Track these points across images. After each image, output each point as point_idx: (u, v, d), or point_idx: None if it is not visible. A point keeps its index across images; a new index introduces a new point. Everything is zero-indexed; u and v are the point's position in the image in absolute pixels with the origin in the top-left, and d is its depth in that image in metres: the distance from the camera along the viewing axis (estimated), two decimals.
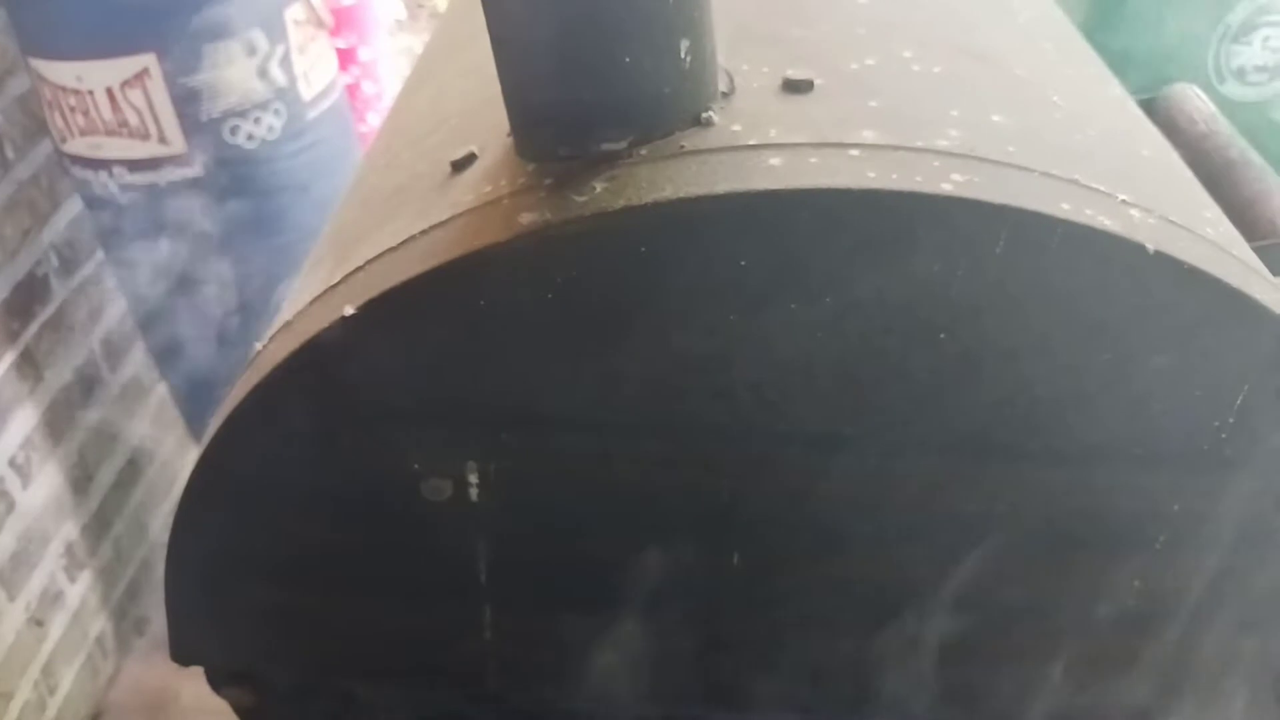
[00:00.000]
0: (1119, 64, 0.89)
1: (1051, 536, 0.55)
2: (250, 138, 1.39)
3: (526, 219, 0.49)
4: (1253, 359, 0.51)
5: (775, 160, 0.49)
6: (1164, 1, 1.23)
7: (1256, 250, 0.64)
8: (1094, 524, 0.55)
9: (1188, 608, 0.58)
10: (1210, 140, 0.77)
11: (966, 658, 0.59)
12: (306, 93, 1.44)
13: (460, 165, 0.57)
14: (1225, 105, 0.98)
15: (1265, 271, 0.59)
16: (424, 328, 0.51)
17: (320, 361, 0.53)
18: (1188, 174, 0.67)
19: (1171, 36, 1.21)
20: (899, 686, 0.60)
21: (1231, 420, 0.52)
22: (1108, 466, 0.53)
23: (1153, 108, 0.82)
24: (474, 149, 0.58)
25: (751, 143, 0.51)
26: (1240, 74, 1.19)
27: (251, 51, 1.35)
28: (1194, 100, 0.80)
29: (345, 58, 2.08)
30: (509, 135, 0.55)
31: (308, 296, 0.57)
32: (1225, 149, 0.76)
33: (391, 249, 0.53)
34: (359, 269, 0.54)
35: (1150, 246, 0.48)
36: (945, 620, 0.58)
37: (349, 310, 0.51)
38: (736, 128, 0.52)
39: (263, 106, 1.39)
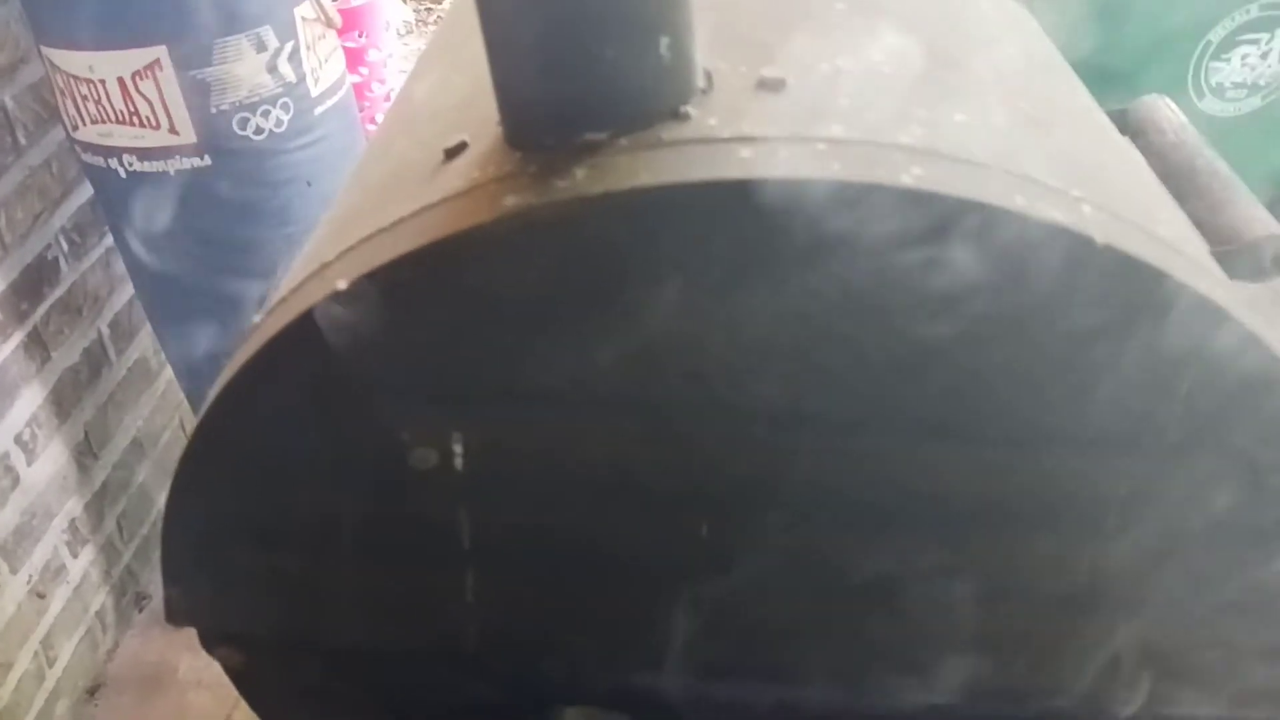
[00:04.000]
0: (1100, 78, 0.91)
1: (1004, 517, 0.58)
2: (258, 131, 1.43)
3: (511, 202, 0.52)
4: (1196, 351, 0.54)
5: (747, 152, 0.52)
6: (1145, 18, 1.26)
7: (1217, 255, 0.67)
8: (1043, 505, 0.57)
9: (1138, 591, 0.61)
10: (1179, 150, 0.79)
11: (921, 635, 0.62)
12: (314, 89, 1.47)
13: (452, 153, 0.61)
14: (1204, 121, 1.00)
15: (1216, 269, 0.62)
16: (411, 303, 0.54)
17: (312, 334, 0.56)
18: (1149, 177, 0.70)
19: (1152, 52, 1.24)
20: (858, 659, 0.63)
21: (1177, 410, 0.55)
22: (1056, 450, 0.56)
23: (1125, 118, 0.85)
24: (466, 138, 0.61)
25: (725, 136, 0.54)
26: (1219, 90, 1.22)
27: (261, 47, 1.39)
28: (1164, 111, 0.83)
29: (354, 58, 2.12)
30: (499, 125, 0.58)
31: (303, 273, 0.60)
32: (1193, 158, 0.78)
33: (384, 229, 0.57)
34: (351, 247, 0.57)
35: (1099, 239, 0.51)
36: (903, 596, 0.60)
37: (341, 285, 0.54)
38: (712, 121, 0.55)
39: (271, 101, 1.42)
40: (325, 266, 0.58)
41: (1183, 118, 0.90)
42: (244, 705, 0.74)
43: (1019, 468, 0.57)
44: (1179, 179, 0.80)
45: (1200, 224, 0.73)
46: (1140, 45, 1.30)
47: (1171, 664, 0.63)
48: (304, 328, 0.55)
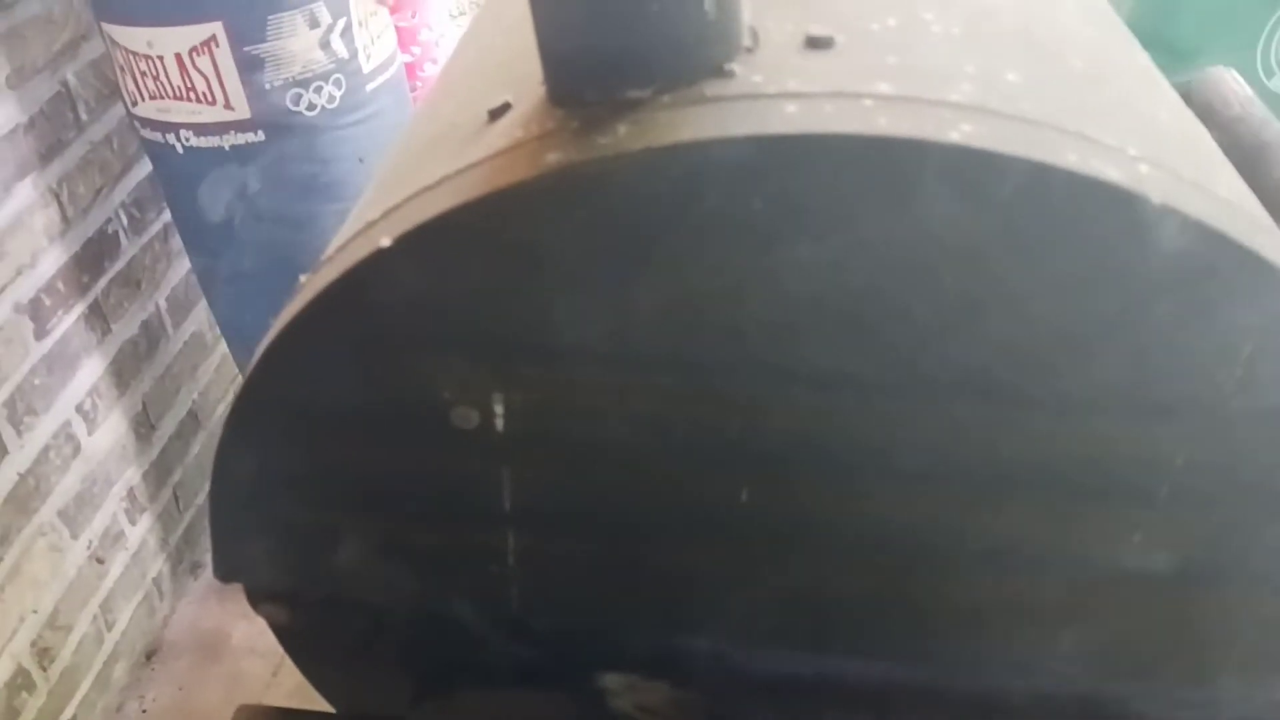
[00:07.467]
0: (1163, 54, 0.88)
1: (1051, 483, 0.56)
2: (311, 106, 1.44)
3: (552, 159, 0.52)
4: (1259, 315, 0.52)
5: (791, 108, 0.52)
6: None
7: None
8: (1094, 473, 0.56)
9: (1191, 564, 0.59)
10: (1244, 123, 0.77)
11: (962, 605, 0.61)
12: (366, 65, 1.49)
13: (496, 113, 0.61)
14: (1273, 101, 0.97)
15: (1277, 232, 0.59)
16: (454, 260, 0.54)
17: (357, 291, 0.56)
18: (1207, 140, 0.68)
19: (1220, 28, 1.19)
20: (902, 629, 0.62)
21: (1237, 375, 0.53)
22: (1109, 415, 0.54)
23: (1188, 91, 0.82)
24: (509, 98, 0.61)
25: (771, 92, 0.53)
26: None
27: (314, 23, 1.40)
28: (1229, 83, 0.80)
29: (406, 38, 2.13)
30: (543, 85, 0.58)
31: (349, 233, 0.61)
32: (1259, 131, 0.76)
33: (428, 187, 0.57)
34: (396, 206, 0.58)
35: (1155, 199, 0.50)
36: (946, 566, 0.59)
37: (384, 242, 0.54)
38: (757, 78, 0.54)
39: (324, 77, 1.43)
40: (370, 225, 0.59)
41: (1249, 90, 0.87)
42: (288, 664, 0.76)
43: (1067, 432, 0.55)
44: (1245, 152, 0.78)
45: (1266, 198, 0.70)
46: (1207, 19, 1.25)
47: (1240, 642, 0.61)
48: (348, 285, 0.56)
